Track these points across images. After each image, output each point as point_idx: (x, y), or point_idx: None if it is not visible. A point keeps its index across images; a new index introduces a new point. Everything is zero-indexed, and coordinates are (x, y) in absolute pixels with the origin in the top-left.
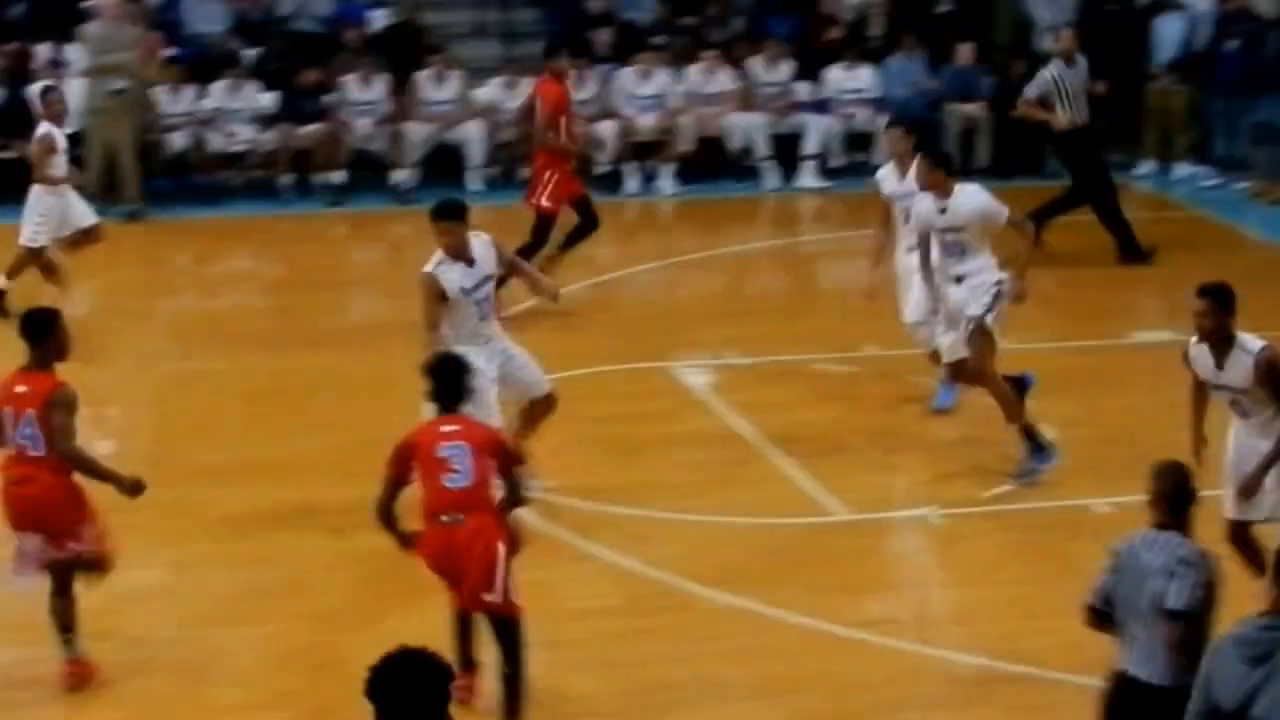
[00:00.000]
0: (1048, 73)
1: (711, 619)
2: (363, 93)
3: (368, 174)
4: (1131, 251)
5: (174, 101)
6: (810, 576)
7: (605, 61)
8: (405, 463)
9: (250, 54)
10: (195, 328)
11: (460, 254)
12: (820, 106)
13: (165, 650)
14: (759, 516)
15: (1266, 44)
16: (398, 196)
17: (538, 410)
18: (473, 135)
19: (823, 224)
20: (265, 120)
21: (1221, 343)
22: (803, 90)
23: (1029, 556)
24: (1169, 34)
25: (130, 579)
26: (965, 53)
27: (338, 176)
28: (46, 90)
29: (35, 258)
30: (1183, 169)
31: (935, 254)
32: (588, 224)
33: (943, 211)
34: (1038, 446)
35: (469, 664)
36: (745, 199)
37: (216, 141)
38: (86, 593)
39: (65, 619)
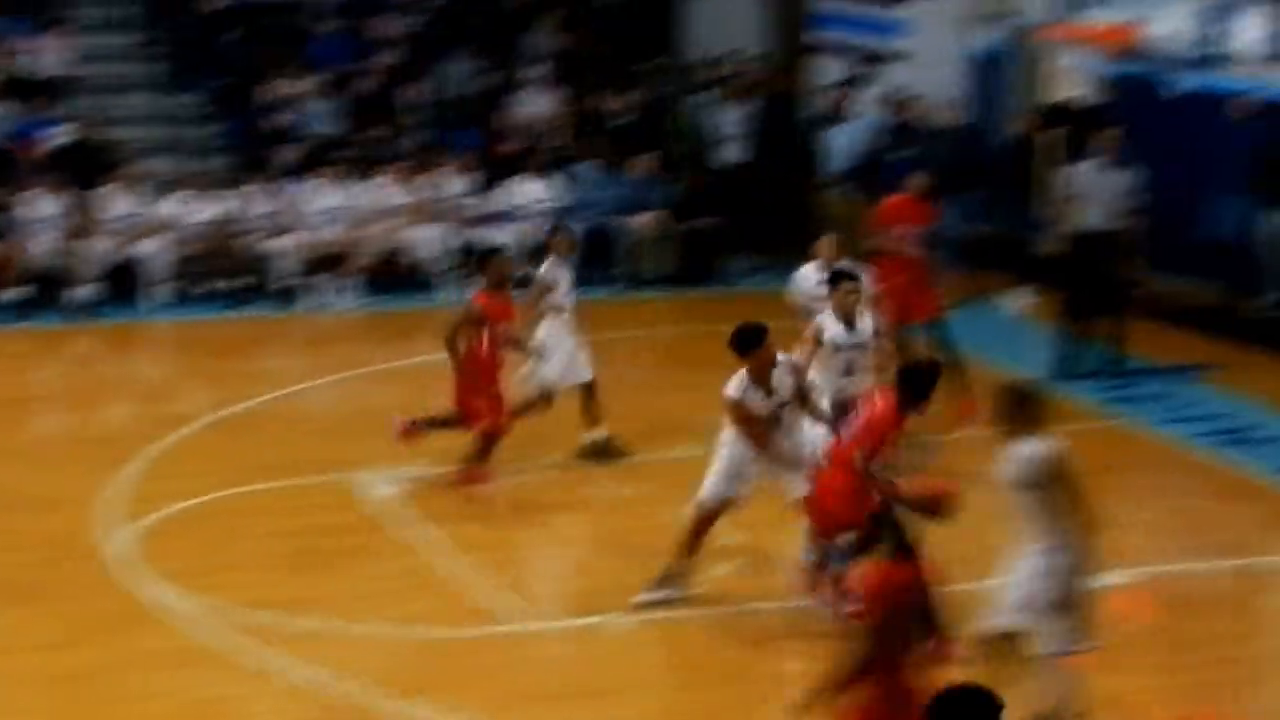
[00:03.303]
0: (1074, 173)
1: None
2: (42, 209)
3: (48, 290)
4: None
5: None
6: (492, 685)
7: (287, 176)
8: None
9: None
10: None
11: (762, 381)
12: (501, 218)
13: None
14: (441, 627)
15: (937, 152)
16: (78, 312)
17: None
18: (154, 250)
19: None
20: None
21: None
22: (484, 202)
23: (710, 661)
24: (840, 144)
25: None
26: (643, 164)
27: (17, 293)
28: None
29: None
30: None
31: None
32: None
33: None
34: None
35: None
36: (427, 311)
37: None
38: None
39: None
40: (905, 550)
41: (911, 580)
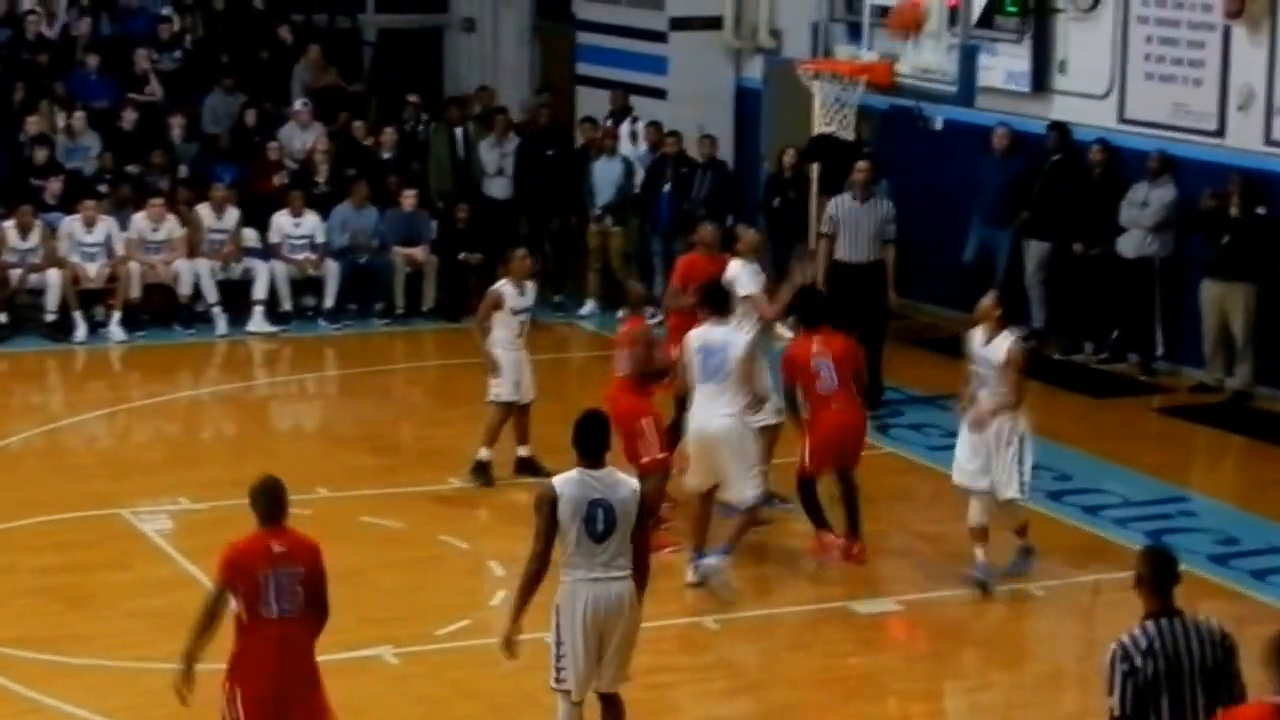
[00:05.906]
0: (831, 206)
1: None
2: None
3: None
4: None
5: None
6: None
7: (51, 210)
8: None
9: None
10: None
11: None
12: (267, 252)
13: None
14: (214, 662)
15: (695, 186)
16: None
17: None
18: None
19: (273, 368)
20: None
21: None
22: (250, 236)
23: (481, 692)
24: (606, 177)
25: None
26: (409, 199)
27: None
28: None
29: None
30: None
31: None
32: None
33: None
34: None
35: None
36: (196, 344)
37: None
38: None
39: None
40: (273, 522)
41: (255, 549)
